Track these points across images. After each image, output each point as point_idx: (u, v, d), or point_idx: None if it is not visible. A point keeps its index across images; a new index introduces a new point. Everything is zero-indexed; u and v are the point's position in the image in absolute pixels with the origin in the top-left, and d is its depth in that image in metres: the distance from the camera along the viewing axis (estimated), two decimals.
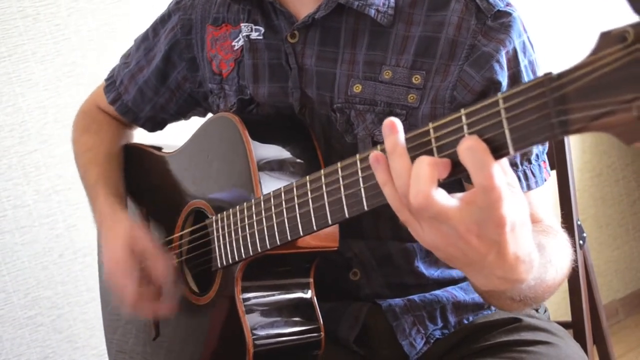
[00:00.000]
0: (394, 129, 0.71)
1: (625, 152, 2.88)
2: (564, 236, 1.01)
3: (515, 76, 1.02)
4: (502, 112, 0.65)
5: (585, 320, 1.40)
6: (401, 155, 0.70)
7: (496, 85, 1.01)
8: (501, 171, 0.66)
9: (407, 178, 0.69)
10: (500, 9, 1.02)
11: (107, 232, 1.22)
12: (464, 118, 0.68)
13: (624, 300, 2.94)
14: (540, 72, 1.06)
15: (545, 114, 0.61)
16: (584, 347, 1.37)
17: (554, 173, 1.36)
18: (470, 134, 0.67)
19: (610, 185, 2.88)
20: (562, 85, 0.60)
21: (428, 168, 0.68)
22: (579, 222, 1.40)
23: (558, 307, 2.00)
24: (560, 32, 2.64)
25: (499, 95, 0.65)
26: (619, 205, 2.91)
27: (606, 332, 1.52)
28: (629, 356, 2.62)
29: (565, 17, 2.67)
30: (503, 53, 1.01)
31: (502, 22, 1.02)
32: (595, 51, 0.58)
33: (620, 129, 0.58)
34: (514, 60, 1.02)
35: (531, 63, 1.04)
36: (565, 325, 1.26)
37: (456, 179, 0.71)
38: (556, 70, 0.62)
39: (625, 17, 0.58)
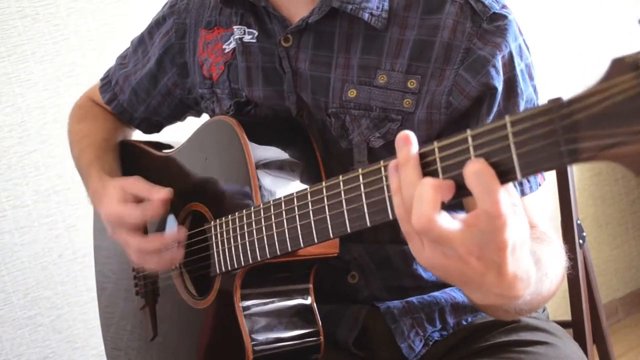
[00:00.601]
0: (408, 141, 0.69)
1: None
2: (558, 243, 1.00)
3: (510, 80, 1.01)
4: (510, 136, 0.62)
5: (585, 319, 1.40)
6: (412, 168, 0.69)
7: (492, 90, 1.00)
8: (507, 196, 0.64)
9: (414, 191, 0.68)
10: (496, 11, 1.01)
11: (99, 201, 1.18)
12: (470, 139, 0.66)
13: (623, 300, 2.93)
14: (537, 75, 1.05)
15: (554, 141, 0.60)
16: (583, 346, 1.38)
17: (553, 172, 1.36)
18: (476, 156, 0.65)
19: (610, 184, 2.88)
20: (572, 113, 0.58)
21: (431, 191, 0.66)
22: (578, 222, 1.40)
23: (558, 307, 2.00)
24: (559, 35, 2.64)
25: (507, 118, 0.63)
26: (619, 204, 2.91)
27: (606, 331, 1.52)
28: (628, 355, 2.62)
29: (563, 19, 2.67)
30: (499, 57, 1.00)
31: (497, 25, 1.00)
32: (607, 78, 0.56)
33: (630, 159, 0.56)
34: (509, 65, 1.01)
35: (527, 66, 1.04)
36: (565, 324, 1.26)
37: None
38: (558, 90, 0.60)
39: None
